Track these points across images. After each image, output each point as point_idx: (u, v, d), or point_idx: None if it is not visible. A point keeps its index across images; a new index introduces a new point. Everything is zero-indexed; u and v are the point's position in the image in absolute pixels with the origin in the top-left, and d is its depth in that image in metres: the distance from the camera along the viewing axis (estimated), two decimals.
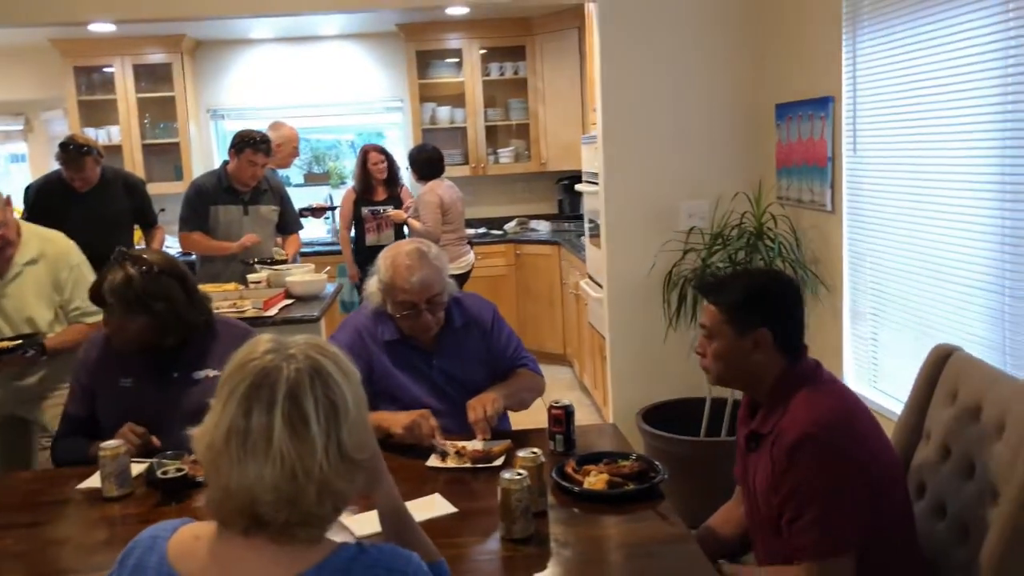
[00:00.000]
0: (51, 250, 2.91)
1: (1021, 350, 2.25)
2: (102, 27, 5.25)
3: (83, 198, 4.19)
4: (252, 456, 1.06)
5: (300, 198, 5.78)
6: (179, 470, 2.00)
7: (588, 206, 4.73)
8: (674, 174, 3.85)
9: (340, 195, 6.54)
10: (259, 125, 4.75)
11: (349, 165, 7.06)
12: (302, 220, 5.08)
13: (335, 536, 1.16)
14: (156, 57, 6.13)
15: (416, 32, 6.26)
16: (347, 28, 6.34)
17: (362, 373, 2.42)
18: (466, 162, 6.44)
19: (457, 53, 6.36)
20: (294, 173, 6.75)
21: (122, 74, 6.08)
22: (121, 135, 6.14)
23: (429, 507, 1.90)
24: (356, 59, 6.58)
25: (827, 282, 3.34)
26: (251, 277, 4.19)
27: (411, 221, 5.22)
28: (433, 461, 2.16)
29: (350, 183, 6.42)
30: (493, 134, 6.56)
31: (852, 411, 1.77)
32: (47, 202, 4.24)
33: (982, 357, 2.01)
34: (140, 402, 2.31)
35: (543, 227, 6.48)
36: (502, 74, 6.41)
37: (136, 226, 4.58)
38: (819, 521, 1.64)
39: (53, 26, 4.81)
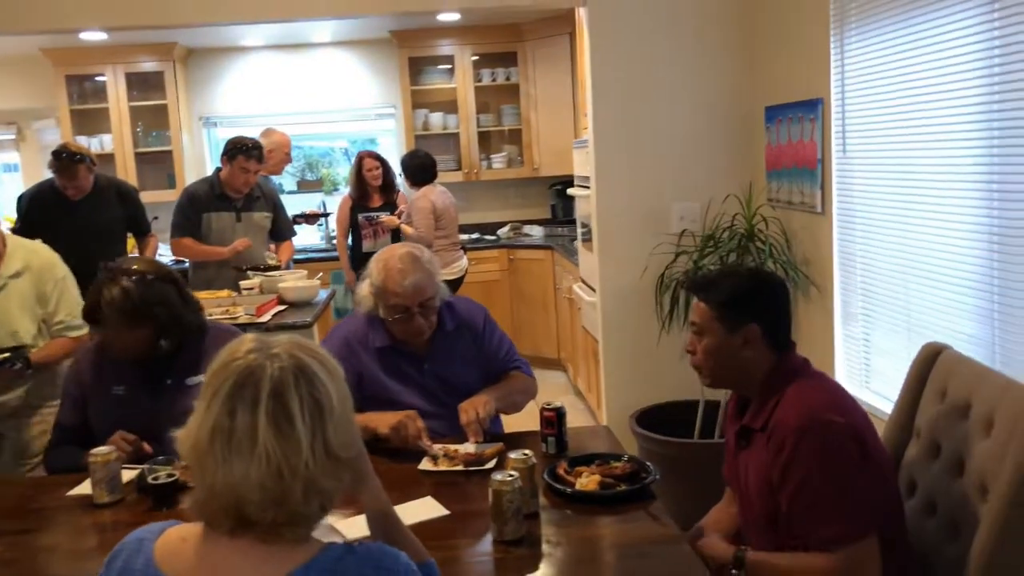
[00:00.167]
0: (36, 262, 2.85)
1: (1010, 348, 2.26)
2: (93, 36, 5.25)
3: (76, 206, 4.19)
4: (237, 455, 1.06)
5: (293, 205, 5.78)
6: (170, 476, 2.00)
7: (580, 210, 4.74)
8: (665, 177, 3.86)
9: (333, 202, 6.55)
10: (252, 133, 4.76)
11: (342, 172, 7.07)
12: (295, 227, 5.09)
13: (324, 539, 1.16)
14: (148, 65, 6.13)
15: (408, 39, 6.27)
16: (339, 35, 6.35)
17: (350, 382, 2.43)
18: (459, 168, 6.45)
19: (449, 59, 6.38)
20: (287, 180, 6.76)
21: (114, 82, 6.08)
22: (113, 143, 6.14)
23: (421, 510, 1.90)
24: (348, 66, 6.60)
25: (818, 283, 3.35)
26: (243, 283, 4.19)
27: (404, 227, 5.23)
28: (425, 464, 2.16)
29: (343, 190, 6.43)
30: (486, 140, 6.58)
31: (847, 402, 1.78)
32: (40, 211, 4.24)
33: (972, 356, 2.02)
34: (133, 410, 2.31)
35: (536, 232, 6.49)
36: (494, 80, 6.43)
37: (129, 234, 4.58)
38: (838, 508, 1.65)
39: (44, 34, 4.80)
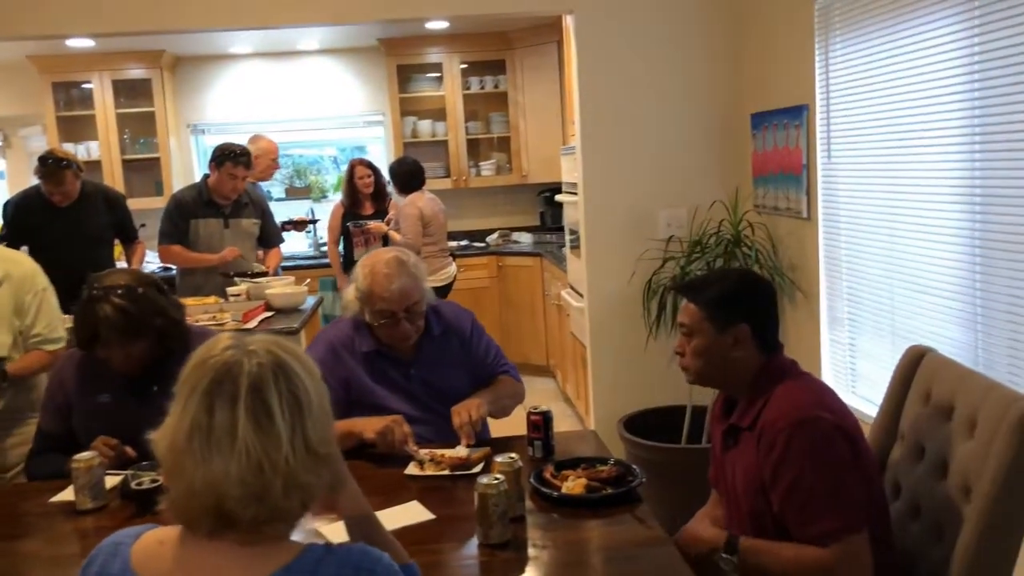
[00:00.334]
0: (16, 272, 2.76)
1: (993, 352, 2.28)
2: (80, 43, 5.25)
3: (63, 213, 4.17)
4: (217, 452, 1.05)
5: (281, 212, 5.78)
6: (154, 481, 1.98)
7: (568, 217, 4.75)
8: (652, 183, 3.88)
9: (321, 209, 6.53)
10: (240, 140, 4.75)
11: (331, 179, 7.06)
12: (284, 234, 5.07)
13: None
14: (135, 72, 6.12)
15: (396, 47, 6.29)
16: (327, 43, 6.36)
17: (338, 387, 2.41)
18: (448, 175, 6.45)
19: (438, 67, 6.39)
20: (276, 187, 6.75)
21: (101, 89, 6.06)
22: (100, 150, 6.12)
23: (407, 514, 1.89)
24: (337, 74, 6.60)
25: (804, 288, 3.37)
26: (230, 290, 4.17)
27: (392, 233, 5.22)
28: (412, 469, 2.15)
29: (331, 197, 6.41)
30: (474, 147, 6.59)
31: (835, 402, 1.80)
32: (26, 218, 4.21)
33: (956, 359, 2.03)
34: (119, 418, 2.29)
35: (525, 239, 6.50)
36: (482, 88, 6.44)
37: (116, 241, 4.56)
38: (830, 504, 1.66)
39: (31, 40, 4.78)
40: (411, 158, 5.52)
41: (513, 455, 1.87)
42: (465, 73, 6.40)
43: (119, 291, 2.20)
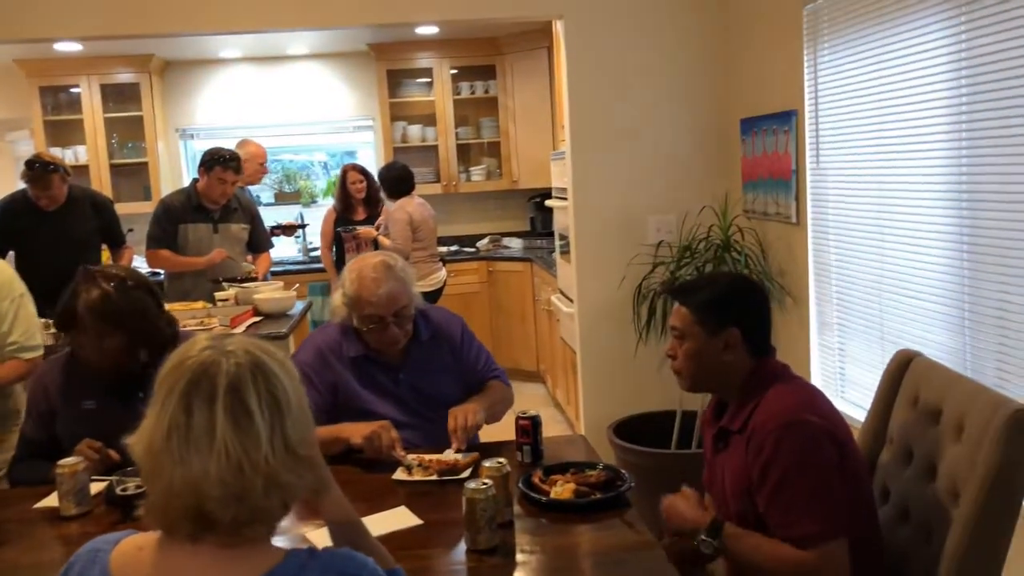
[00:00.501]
0: None
1: (981, 356, 2.28)
2: (68, 46, 5.22)
3: (50, 217, 4.14)
4: (196, 452, 1.04)
5: (271, 218, 5.77)
6: (139, 487, 1.96)
7: (558, 222, 4.75)
8: (642, 189, 3.88)
9: (310, 214, 6.51)
10: (229, 144, 4.74)
11: (321, 184, 7.05)
12: (273, 239, 5.06)
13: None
14: (124, 77, 6.10)
15: (386, 51, 6.28)
16: (317, 47, 6.35)
17: (326, 392, 2.39)
18: (438, 180, 6.45)
19: (427, 72, 6.39)
20: (265, 192, 6.73)
21: (89, 94, 6.04)
22: (88, 155, 6.09)
23: (394, 520, 1.88)
24: (326, 78, 6.59)
25: (793, 293, 3.37)
26: (219, 295, 4.15)
27: (381, 238, 5.21)
28: (399, 474, 2.14)
29: (321, 202, 6.38)
30: (465, 152, 6.58)
31: (825, 405, 1.80)
32: (12, 222, 4.18)
33: (944, 363, 2.04)
34: (104, 424, 2.26)
35: (515, 244, 6.50)
36: (472, 93, 6.44)
37: (104, 246, 4.53)
38: (813, 507, 1.66)
39: (17, 43, 4.75)
40: (400, 163, 5.52)
41: (501, 460, 1.86)
42: (455, 78, 6.40)
43: (110, 280, 2.19)
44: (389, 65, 6.33)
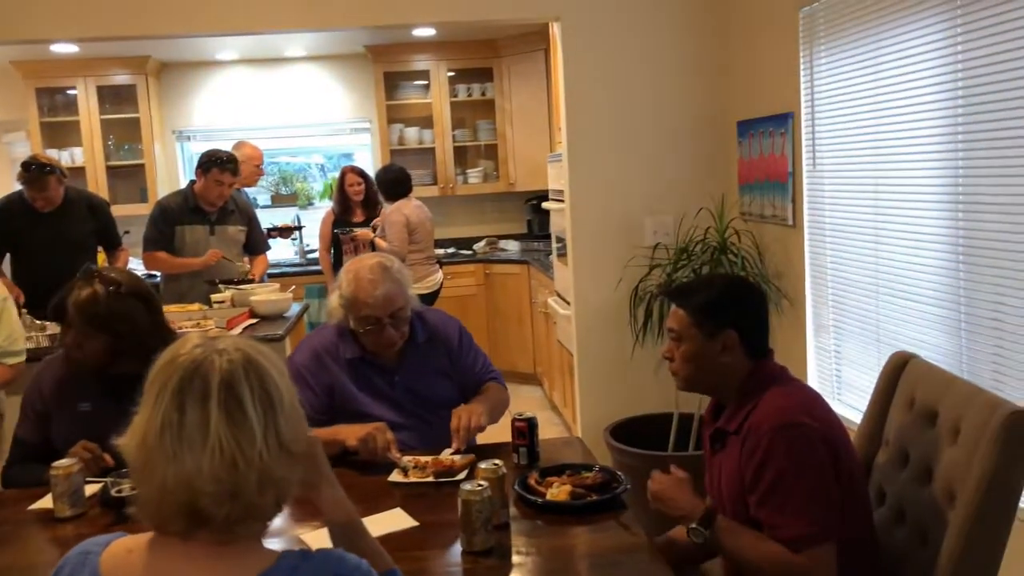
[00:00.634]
0: None
1: (977, 358, 2.29)
2: (64, 48, 5.21)
3: (46, 219, 4.13)
4: (189, 448, 1.03)
5: (268, 220, 5.75)
6: (134, 488, 1.95)
7: (555, 224, 4.75)
8: (639, 191, 3.88)
9: (307, 216, 6.51)
10: (226, 146, 4.73)
11: (318, 187, 7.04)
12: (269, 241, 5.05)
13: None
14: (120, 78, 6.09)
15: (383, 54, 6.28)
16: (314, 49, 6.35)
17: (322, 394, 2.39)
18: (435, 182, 6.45)
19: (425, 75, 6.39)
20: (262, 195, 6.72)
21: (85, 95, 6.03)
22: (84, 157, 6.08)
23: (390, 521, 1.88)
24: (323, 80, 6.59)
25: (790, 296, 3.38)
26: (215, 297, 4.14)
27: (378, 240, 5.21)
28: (395, 476, 2.13)
29: (318, 204, 6.37)
30: (462, 154, 6.58)
31: (821, 408, 1.79)
32: (8, 223, 4.18)
33: (940, 365, 2.04)
34: (99, 427, 2.24)
35: (512, 247, 6.50)
36: (470, 95, 6.44)
37: (100, 248, 4.53)
38: (805, 509, 1.65)
39: (13, 44, 4.74)
40: (396, 165, 5.52)
41: (497, 461, 1.86)
42: (452, 80, 6.41)
43: (106, 283, 2.20)
44: (386, 67, 6.33)
